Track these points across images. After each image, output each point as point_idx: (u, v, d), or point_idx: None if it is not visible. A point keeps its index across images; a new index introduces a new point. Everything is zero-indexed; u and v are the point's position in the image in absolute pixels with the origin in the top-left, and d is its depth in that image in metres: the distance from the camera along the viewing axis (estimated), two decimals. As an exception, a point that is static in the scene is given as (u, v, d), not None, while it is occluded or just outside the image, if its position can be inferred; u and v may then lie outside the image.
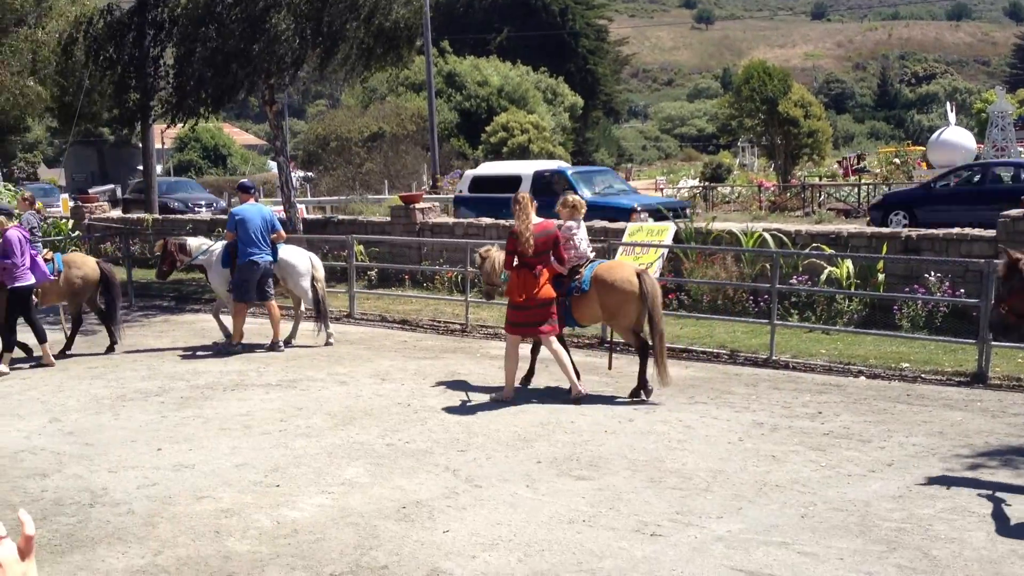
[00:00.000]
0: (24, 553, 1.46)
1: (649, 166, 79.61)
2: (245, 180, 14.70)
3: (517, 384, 9.75)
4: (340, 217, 20.47)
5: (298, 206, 18.48)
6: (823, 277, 13.07)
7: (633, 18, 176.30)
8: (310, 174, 45.37)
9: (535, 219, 9.36)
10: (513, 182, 21.20)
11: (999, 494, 6.63)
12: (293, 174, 22.47)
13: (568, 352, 9.74)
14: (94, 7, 20.40)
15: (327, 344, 12.60)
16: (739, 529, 6.10)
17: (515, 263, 9.33)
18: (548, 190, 19.80)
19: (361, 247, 17.09)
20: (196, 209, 30.24)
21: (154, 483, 7.17)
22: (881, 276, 12.69)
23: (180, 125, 18.03)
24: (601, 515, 6.39)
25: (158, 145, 32.65)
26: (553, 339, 9.45)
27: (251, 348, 12.48)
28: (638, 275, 9.46)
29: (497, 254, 10.49)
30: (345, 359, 11.65)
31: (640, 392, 9.44)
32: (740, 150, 61.88)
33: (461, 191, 23.53)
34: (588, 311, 9.67)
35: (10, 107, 22.07)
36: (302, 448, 8.01)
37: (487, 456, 7.71)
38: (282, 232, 12.54)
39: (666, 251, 13.93)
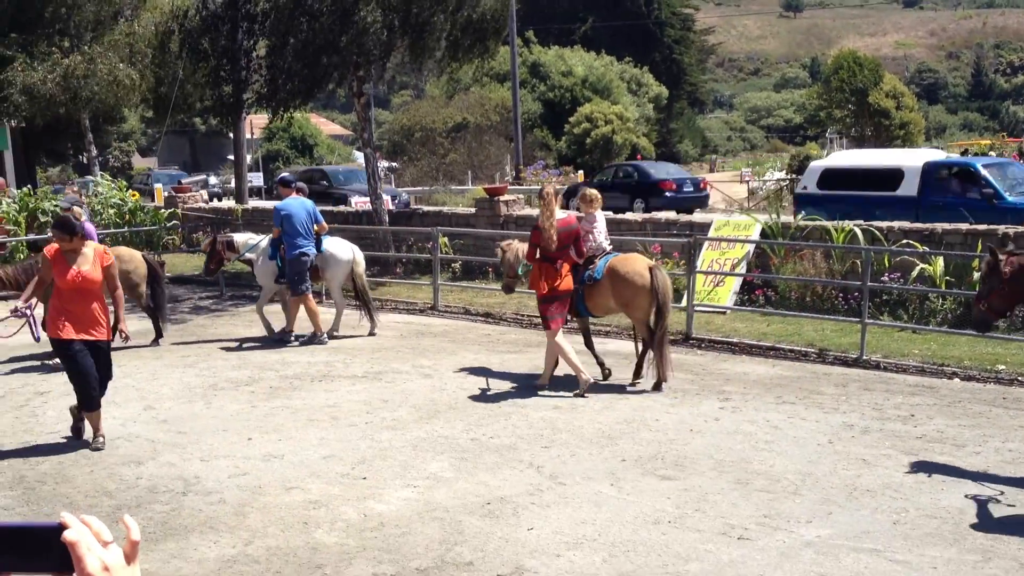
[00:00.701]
0: (129, 558, 1.49)
1: (734, 157, 78.52)
2: (286, 174, 14.88)
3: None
4: (425, 208, 20.62)
5: (384, 197, 18.66)
6: (915, 274, 12.75)
7: (719, 6, 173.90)
8: (395, 164, 45.79)
9: (559, 214, 9.61)
10: (888, 177, 17.80)
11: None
12: (379, 164, 22.67)
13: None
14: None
15: (371, 335, 12.77)
16: (829, 535, 5.99)
17: (537, 256, 9.60)
18: (944, 189, 17.27)
19: (445, 239, 17.18)
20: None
21: (244, 472, 7.32)
22: (976, 274, 12.33)
23: (272, 116, 18.36)
24: (687, 516, 6.34)
25: (248, 135, 33.23)
26: (560, 333, 9.77)
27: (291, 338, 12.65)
28: (650, 269, 9.72)
29: (519, 246, 10.76)
30: (429, 352, 11.73)
31: (639, 375, 9.94)
32: (828, 142, 60.49)
33: (805, 187, 19.28)
34: (601, 301, 9.95)
35: (106, 95, 22.67)
36: (388, 441, 8.10)
37: (571, 453, 7.70)
38: (324, 224, 12.60)
39: (753, 246, 13.74)
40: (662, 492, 6.79)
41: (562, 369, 10.03)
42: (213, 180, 45.31)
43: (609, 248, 10.25)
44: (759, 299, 13.46)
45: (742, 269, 13.66)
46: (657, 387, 9.70)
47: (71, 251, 7.79)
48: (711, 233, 14.28)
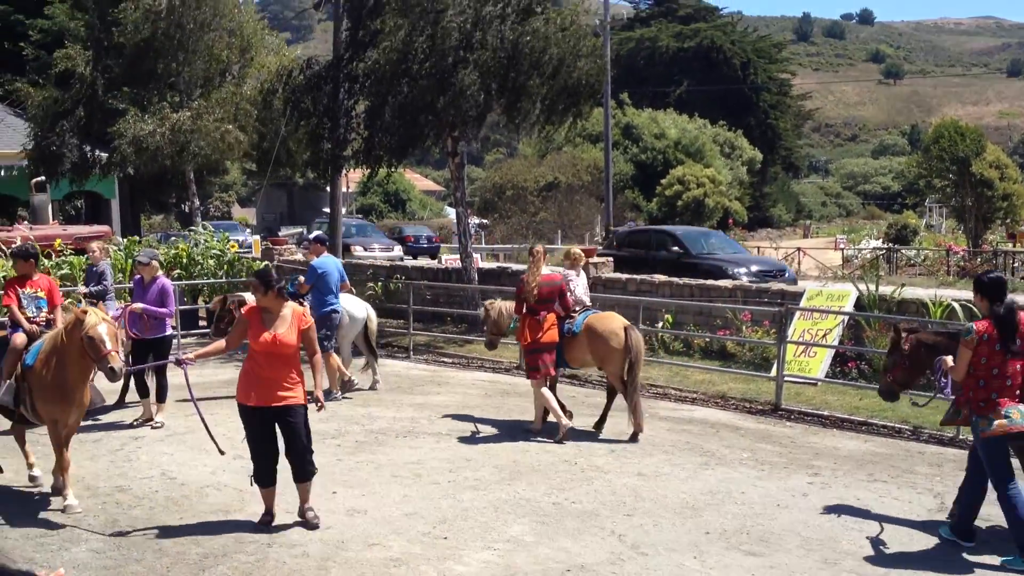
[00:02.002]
0: None
1: (828, 223, 77.39)
2: (320, 233, 15.09)
3: (591, 429, 10.68)
4: (513, 268, 20.76)
5: (474, 256, 18.86)
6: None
7: (817, 71, 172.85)
8: (485, 221, 46.29)
9: (544, 271, 10.49)
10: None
11: None
12: (470, 221, 22.97)
13: None
14: (293, 59, 21.57)
15: (372, 388, 12.99)
16: (920, 623, 5.79)
17: (523, 310, 10.39)
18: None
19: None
20: (375, 252, 31.64)
21: (328, 527, 7.39)
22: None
23: (367, 172, 18.80)
24: (771, 595, 6.19)
25: (343, 189, 33.98)
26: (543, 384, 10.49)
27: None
28: (625, 329, 10.43)
29: (501, 304, 11.60)
30: (514, 411, 11.73)
31: (601, 426, 10.66)
32: (927, 211, 59.41)
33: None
34: (578, 354, 10.70)
35: (212, 151, 23.49)
36: (470, 501, 8.10)
37: (654, 523, 7.60)
38: (347, 282, 13.03)
39: (846, 318, 13.49)
40: (747, 568, 6.65)
41: (655, 435, 9.92)
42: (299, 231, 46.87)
43: (589, 304, 11.15)
44: (852, 372, 13.16)
45: (835, 340, 13.40)
46: (634, 438, 10.28)
47: (268, 311, 7.32)
48: (803, 302, 14.07)
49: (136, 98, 24.07)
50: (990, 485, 7.01)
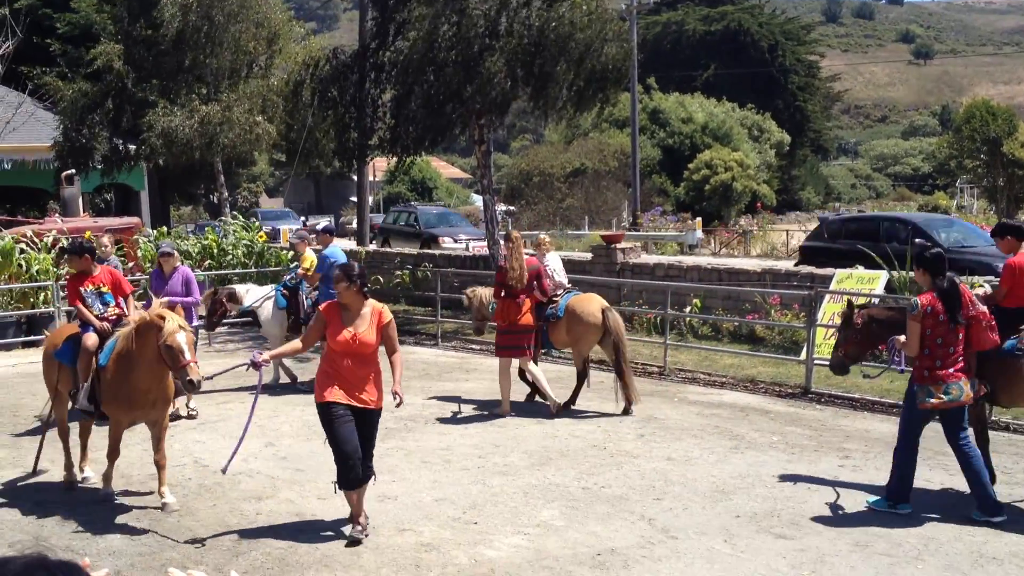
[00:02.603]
0: None
1: (858, 205, 76.72)
2: (328, 223, 14.96)
3: (523, 400, 11.28)
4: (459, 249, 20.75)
5: (501, 242, 18.84)
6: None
7: (846, 53, 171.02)
8: (512, 208, 46.27)
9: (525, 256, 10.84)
10: None
11: None
12: (496, 208, 22.98)
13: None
14: (320, 50, 21.62)
15: None
16: (953, 605, 5.76)
17: (502, 294, 10.65)
18: None
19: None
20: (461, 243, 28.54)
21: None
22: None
23: (394, 161, 18.85)
24: (802, 578, 6.18)
25: (370, 178, 34.08)
26: (531, 362, 10.91)
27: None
28: (603, 310, 10.88)
29: (483, 291, 11.95)
30: (594, 401, 11.74)
31: (570, 405, 10.92)
32: (958, 191, 58.74)
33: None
34: (561, 336, 11.10)
35: (241, 142, 23.63)
36: (499, 486, 8.14)
37: (684, 507, 7.60)
38: None
39: (877, 301, 13.37)
40: (777, 551, 6.65)
41: (684, 419, 9.90)
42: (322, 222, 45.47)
43: (569, 285, 11.61)
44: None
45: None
46: (626, 411, 10.70)
47: (348, 308, 6.92)
48: (833, 285, 13.98)
49: (165, 90, 24.23)
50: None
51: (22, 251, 16.70)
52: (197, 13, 22.65)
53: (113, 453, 7.89)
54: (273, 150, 29.39)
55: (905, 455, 7.46)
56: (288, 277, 13.36)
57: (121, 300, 8.84)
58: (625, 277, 17.25)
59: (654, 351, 14.48)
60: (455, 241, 28.76)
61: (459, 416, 10.82)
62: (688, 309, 15.82)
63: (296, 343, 7.41)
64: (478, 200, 49.10)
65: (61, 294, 15.80)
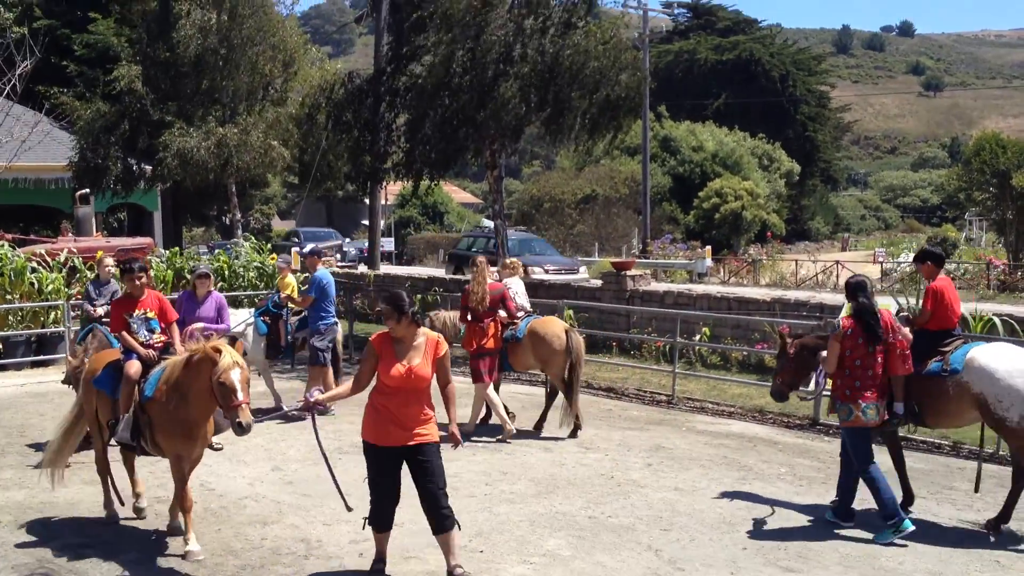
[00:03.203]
0: None
1: (867, 236, 76.64)
2: (316, 245, 14.71)
3: (531, 428, 11.40)
4: (552, 280, 20.78)
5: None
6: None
7: (856, 84, 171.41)
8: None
9: (489, 280, 11.05)
10: None
11: None
12: (507, 233, 22.99)
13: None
14: (335, 74, 21.78)
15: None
16: (961, 643, 5.72)
17: (468, 318, 10.93)
18: None
19: (571, 311, 17.24)
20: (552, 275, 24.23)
21: (366, 538, 7.39)
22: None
23: (407, 185, 18.97)
24: (809, 613, 6.14)
25: (382, 201, 34.20)
26: (490, 387, 11.13)
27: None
28: (566, 332, 11.22)
29: (446, 315, 12.27)
30: (551, 424, 11.72)
31: (541, 426, 11.42)
32: (967, 224, 58.66)
33: None
34: (522, 358, 11.43)
35: (255, 165, 23.79)
36: (505, 514, 8.12)
37: (691, 538, 7.57)
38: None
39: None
40: (784, 585, 6.61)
41: (692, 448, 9.88)
42: (346, 246, 43.22)
43: (531, 309, 11.90)
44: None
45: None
46: (573, 434, 11.01)
47: (401, 340, 6.47)
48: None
49: (182, 111, 24.41)
50: None
51: (34, 270, 16.77)
52: (216, 36, 22.86)
53: (183, 499, 7.24)
54: (286, 172, 29.55)
55: (870, 472, 7.77)
56: (271, 301, 13.11)
57: (171, 327, 8.31)
58: (635, 304, 17.25)
59: (663, 379, 14.46)
60: (545, 271, 24.65)
61: (467, 442, 10.79)
62: (697, 337, 15.81)
63: (347, 386, 6.66)
64: (488, 225, 49.18)
65: (72, 314, 15.85)
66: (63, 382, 10.62)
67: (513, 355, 11.39)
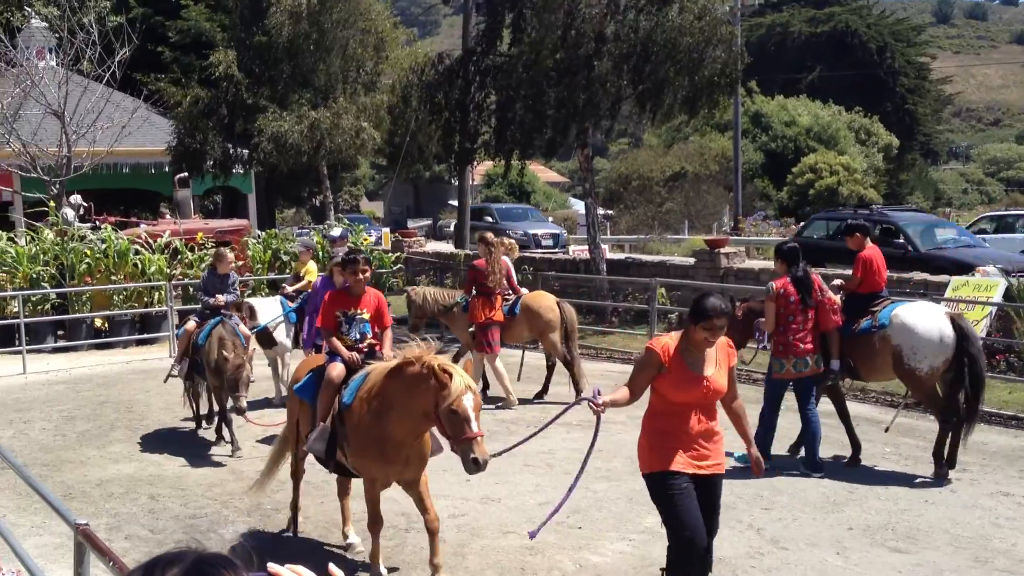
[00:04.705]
0: None
1: (969, 211, 74.30)
2: (340, 229, 14.00)
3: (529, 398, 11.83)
4: (644, 258, 20.60)
5: (602, 246, 18.78)
6: None
7: (957, 54, 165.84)
8: (610, 212, 46.03)
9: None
10: None
11: None
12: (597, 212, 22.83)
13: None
14: (425, 56, 21.87)
15: None
16: (1083, 628, 5.50)
17: (474, 292, 11.51)
18: None
19: (663, 290, 17.06)
20: (542, 242, 28.19)
21: (464, 513, 7.47)
22: None
23: (495, 165, 18.96)
24: (920, 595, 5.97)
25: (470, 182, 34.25)
26: (497, 358, 11.60)
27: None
28: (558, 303, 11.90)
29: (425, 290, 12.88)
30: (643, 402, 11.60)
31: (543, 393, 12.11)
32: (1077, 196, 56.34)
33: None
34: (517, 331, 11.98)
35: (347, 148, 24.09)
36: (603, 491, 8.07)
37: (793, 517, 7.42)
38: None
39: (994, 309, 12.92)
40: (892, 565, 6.44)
41: (790, 426, 9.70)
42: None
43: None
44: (1000, 364, 12.59)
45: (982, 332, 12.82)
46: (578, 398, 11.02)
47: (692, 349, 5.38)
48: (948, 293, 13.52)
49: (274, 96, 24.81)
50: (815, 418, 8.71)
51: (137, 252, 17.25)
52: (307, 20, 23.15)
53: (375, 521, 6.35)
54: (376, 155, 29.82)
55: (768, 418, 8.81)
56: (292, 290, 12.44)
57: (385, 332, 7.16)
58: (729, 282, 16.95)
59: (759, 357, 14.19)
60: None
61: (560, 420, 10.75)
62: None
63: (625, 392, 5.56)
64: (575, 204, 49.05)
65: (173, 294, 16.29)
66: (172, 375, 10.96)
67: (508, 329, 11.87)
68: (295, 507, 7.30)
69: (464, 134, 17.93)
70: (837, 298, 8.89)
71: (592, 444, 5.79)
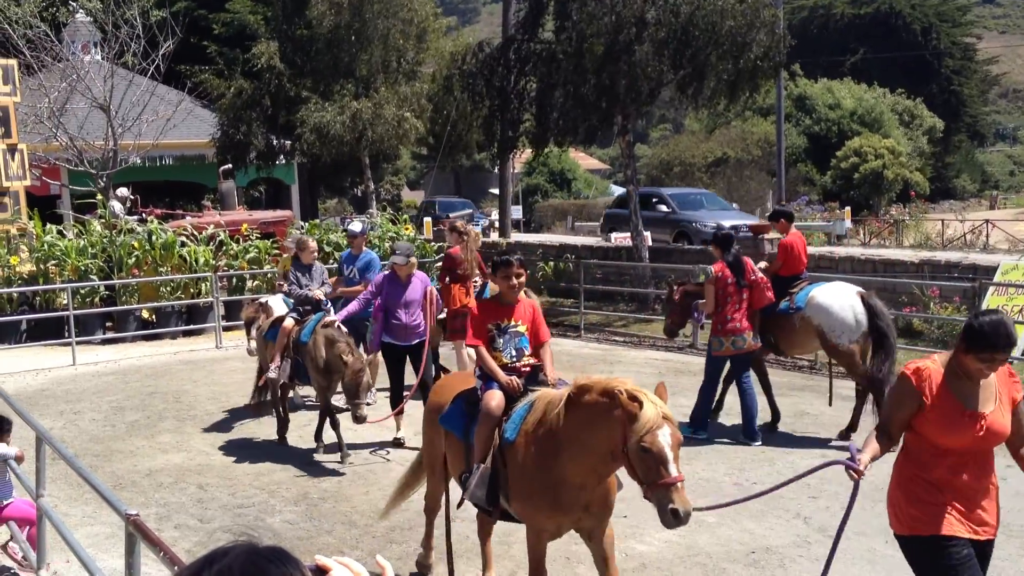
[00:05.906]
0: None
1: (1017, 193, 73.01)
2: (361, 224, 12.65)
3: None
4: (686, 245, 20.47)
5: (644, 233, 18.68)
6: None
7: (1004, 35, 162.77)
8: (652, 199, 45.77)
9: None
10: None
11: None
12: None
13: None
14: (466, 44, 21.87)
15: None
16: None
17: (447, 280, 11.28)
18: None
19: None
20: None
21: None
22: None
23: (534, 153, 18.94)
24: (972, 584, 5.87)
25: (511, 170, 34.19)
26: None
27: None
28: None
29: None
30: (688, 391, 11.53)
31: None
32: None
33: None
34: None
35: (389, 138, 24.19)
36: (648, 480, 8.03)
37: (841, 506, 7.32)
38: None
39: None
40: (943, 555, 6.34)
41: (837, 414, 9.60)
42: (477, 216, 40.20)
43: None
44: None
45: (1032, 316, 12.63)
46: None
47: (963, 375, 4.22)
48: (998, 277, 13.31)
49: (317, 87, 24.96)
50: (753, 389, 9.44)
51: (183, 243, 17.44)
52: (348, 11, 23.25)
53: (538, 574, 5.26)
54: (418, 144, 29.91)
55: (707, 391, 9.56)
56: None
57: (542, 347, 6.03)
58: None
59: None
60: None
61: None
62: (840, 301, 15.35)
63: (880, 441, 4.54)
64: (616, 191, 48.79)
65: (219, 284, 16.46)
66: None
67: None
68: (427, 545, 6.43)
69: (505, 122, 17.92)
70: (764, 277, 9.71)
71: (846, 515, 4.88)
